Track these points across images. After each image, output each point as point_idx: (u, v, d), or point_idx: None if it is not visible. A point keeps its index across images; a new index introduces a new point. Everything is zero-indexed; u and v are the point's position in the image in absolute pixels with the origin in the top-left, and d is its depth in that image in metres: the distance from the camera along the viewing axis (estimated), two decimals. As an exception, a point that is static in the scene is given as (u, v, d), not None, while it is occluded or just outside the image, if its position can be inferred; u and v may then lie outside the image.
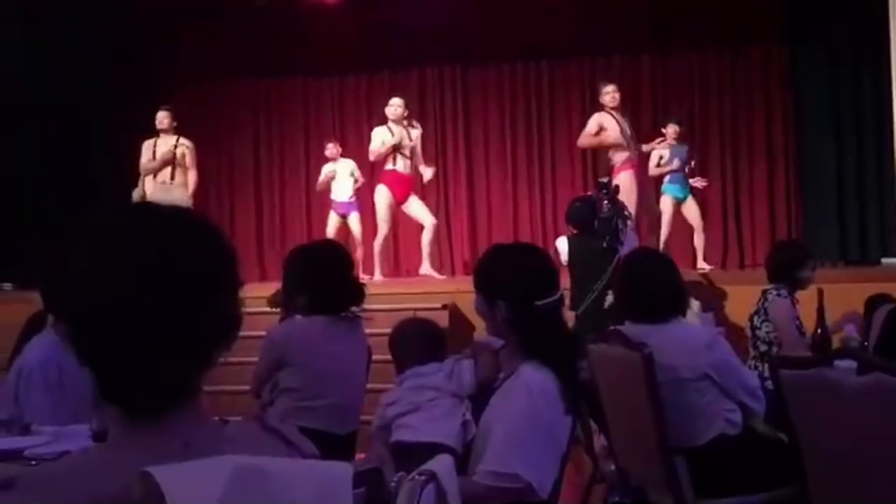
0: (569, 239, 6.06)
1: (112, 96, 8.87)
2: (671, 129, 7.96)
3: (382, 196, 7.80)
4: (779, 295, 4.29)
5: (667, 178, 7.94)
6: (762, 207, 9.06)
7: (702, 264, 7.92)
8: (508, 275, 2.33)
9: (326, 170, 8.23)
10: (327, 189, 8.23)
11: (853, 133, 8.64)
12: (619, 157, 7.57)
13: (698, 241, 8.08)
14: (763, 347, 4.25)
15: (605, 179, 6.37)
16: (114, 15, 8.71)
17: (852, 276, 6.84)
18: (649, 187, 7.83)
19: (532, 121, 9.50)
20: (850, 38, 8.60)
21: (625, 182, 7.43)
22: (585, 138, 7.75)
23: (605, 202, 5.96)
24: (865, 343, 3.79)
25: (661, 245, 7.70)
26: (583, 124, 7.93)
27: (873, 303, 4.42)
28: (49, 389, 3.02)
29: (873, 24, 7.84)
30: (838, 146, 8.68)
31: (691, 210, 7.91)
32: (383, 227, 7.84)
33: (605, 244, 5.80)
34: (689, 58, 9.24)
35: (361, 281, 3.53)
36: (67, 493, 1.06)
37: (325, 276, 3.40)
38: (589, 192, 6.91)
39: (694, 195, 7.94)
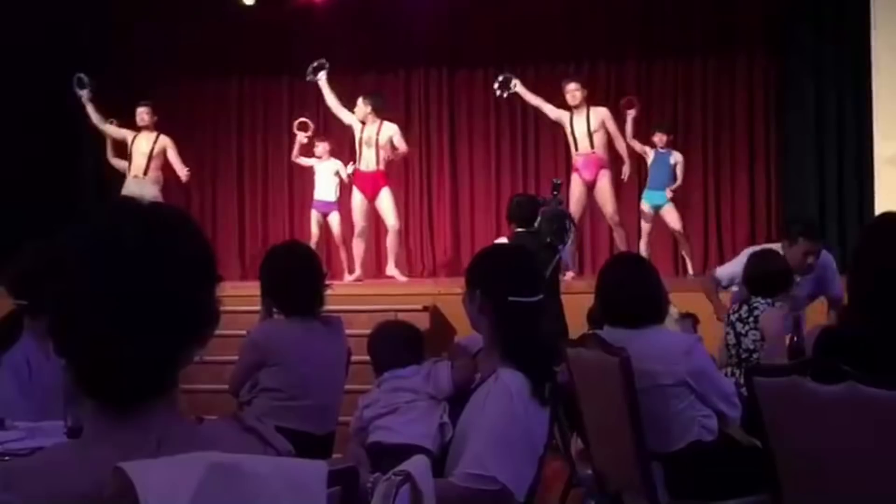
0: (509, 239, 5.91)
1: (94, 93, 8.81)
2: (658, 138, 8.05)
3: (354, 197, 7.92)
4: (768, 303, 4.29)
5: (646, 186, 8.04)
6: (743, 215, 9.13)
7: (691, 271, 8.05)
8: (489, 267, 2.40)
9: (312, 162, 8.31)
10: (309, 175, 8.33)
11: (834, 141, 8.72)
12: (573, 157, 7.72)
13: (684, 248, 8.15)
14: (744, 355, 4.25)
15: (558, 180, 6.36)
16: (97, 11, 8.66)
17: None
18: (596, 193, 7.74)
19: (517, 124, 9.52)
20: (832, 46, 8.67)
21: (571, 185, 7.60)
22: (540, 101, 7.81)
23: (554, 202, 5.90)
24: None
25: (643, 251, 7.74)
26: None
27: None
28: (20, 384, 3.01)
29: (856, 31, 7.91)
30: (819, 154, 8.76)
31: (670, 217, 7.98)
32: (356, 227, 7.91)
33: (548, 240, 5.71)
34: (674, 64, 9.29)
35: (327, 283, 3.52)
36: (40, 487, 1.06)
37: (284, 281, 3.42)
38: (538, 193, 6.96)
39: (673, 203, 8.02)
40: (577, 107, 7.60)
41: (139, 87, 8.55)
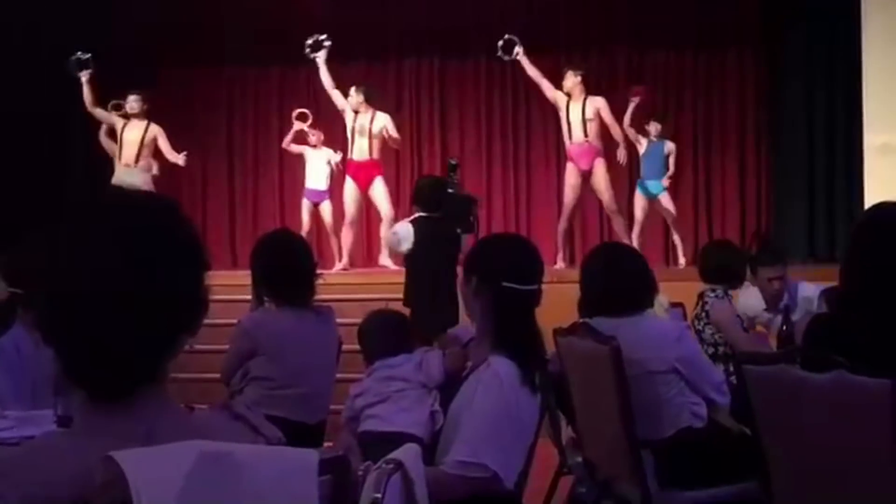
0: (415, 223, 5.38)
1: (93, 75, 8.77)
2: (653, 127, 8.09)
3: (346, 187, 7.92)
4: (716, 297, 4.29)
5: (641, 175, 8.08)
6: (733, 206, 9.16)
7: (682, 260, 8.09)
8: (487, 253, 2.42)
9: (305, 152, 8.32)
10: (300, 164, 8.34)
11: (824, 132, 8.75)
12: (567, 146, 7.73)
13: (676, 236, 8.21)
14: (710, 350, 4.24)
15: (454, 161, 6.09)
16: (91, 2, 8.61)
17: (820, 274, 6.91)
18: (593, 182, 7.73)
19: (508, 114, 9.52)
20: (824, 40, 8.69)
21: (567, 173, 7.66)
22: (539, 77, 7.80)
23: (450, 183, 5.53)
24: None
25: (635, 241, 7.76)
26: (557, 118, 7.99)
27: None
28: (10, 372, 3.00)
29: (846, 22, 7.93)
30: (810, 146, 8.79)
31: (666, 205, 8.03)
32: (347, 216, 7.92)
33: (458, 230, 5.29)
34: (665, 55, 9.30)
35: (318, 273, 3.52)
36: (29, 476, 1.06)
37: (275, 270, 3.42)
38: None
39: (667, 191, 8.06)
40: (574, 95, 7.59)
41: (129, 77, 8.49)
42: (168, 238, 1.15)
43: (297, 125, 8.37)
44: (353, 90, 7.85)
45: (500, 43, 7.77)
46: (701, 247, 8.86)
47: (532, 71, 7.79)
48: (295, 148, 8.40)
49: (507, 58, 7.83)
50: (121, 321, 1.10)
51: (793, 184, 8.82)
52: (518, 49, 7.71)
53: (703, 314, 4.26)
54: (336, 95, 7.90)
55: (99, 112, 8.01)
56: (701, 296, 4.35)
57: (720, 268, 4.37)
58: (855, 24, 7.61)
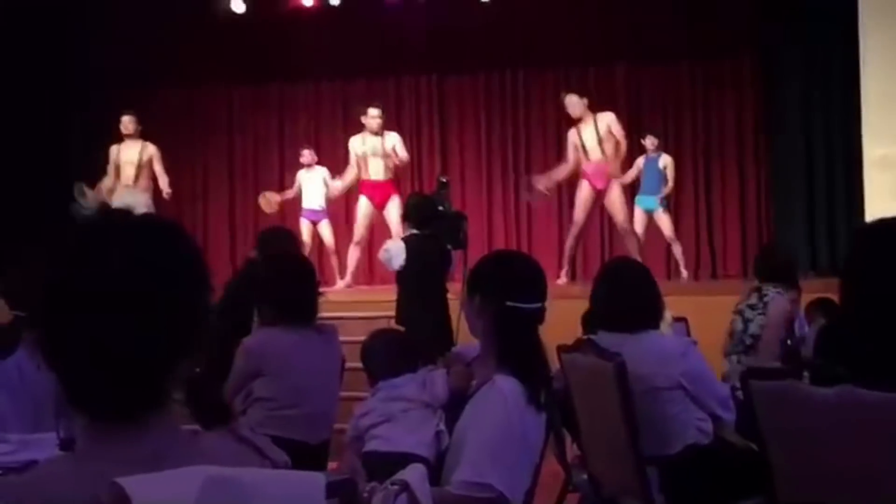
0: (406, 240, 5.37)
1: (89, 100, 8.79)
2: (649, 141, 8.12)
3: (361, 205, 7.91)
4: (777, 293, 4.40)
5: (639, 190, 8.10)
6: (733, 219, 9.16)
7: (684, 273, 8.08)
8: (489, 271, 2.38)
9: (300, 178, 8.31)
10: (298, 196, 8.30)
11: (823, 143, 8.76)
12: (583, 164, 7.70)
13: (676, 251, 8.20)
14: (749, 341, 4.32)
15: (444, 178, 6.09)
16: (90, 19, 8.64)
17: (822, 286, 6.89)
18: (607, 203, 7.76)
19: (507, 130, 9.54)
20: (821, 48, 8.71)
21: (580, 190, 7.61)
22: (557, 170, 7.92)
23: (439, 200, 5.58)
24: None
25: (636, 256, 7.76)
26: (557, 134, 8.02)
27: (815, 308, 4.72)
28: (12, 395, 2.99)
29: (844, 33, 7.95)
30: (808, 156, 8.79)
31: (662, 220, 8.04)
32: (356, 234, 7.93)
33: (449, 247, 5.31)
34: (663, 68, 9.33)
35: (321, 291, 3.51)
36: (35, 503, 1.05)
37: (278, 289, 3.42)
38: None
39: (664, 206, 8.06)
40: (581, 118, 7.57)
41: (128, 97, 8.53)
42: (170, 263, 1.14)
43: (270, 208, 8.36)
44: (375, 111, 7.80)
45: (524, 191, 7.89)
46: (701, 256, 9.01)
47: (556, 174, 7.88)
48: (294, 191, 8.37)
49: (535, 201, 8.03)
50: (121, 346, 1.09)
51: (793, 195, 8.81)
52: (538, 185, 7.80)
53: (761, 305, 4.33)
54: (351, 173, 7.87)
55: (111, 179, 7.85)
56: (758, 289, 4.44)
57: (777, 270, 4.51)
58: (853, 37, 7.63)
